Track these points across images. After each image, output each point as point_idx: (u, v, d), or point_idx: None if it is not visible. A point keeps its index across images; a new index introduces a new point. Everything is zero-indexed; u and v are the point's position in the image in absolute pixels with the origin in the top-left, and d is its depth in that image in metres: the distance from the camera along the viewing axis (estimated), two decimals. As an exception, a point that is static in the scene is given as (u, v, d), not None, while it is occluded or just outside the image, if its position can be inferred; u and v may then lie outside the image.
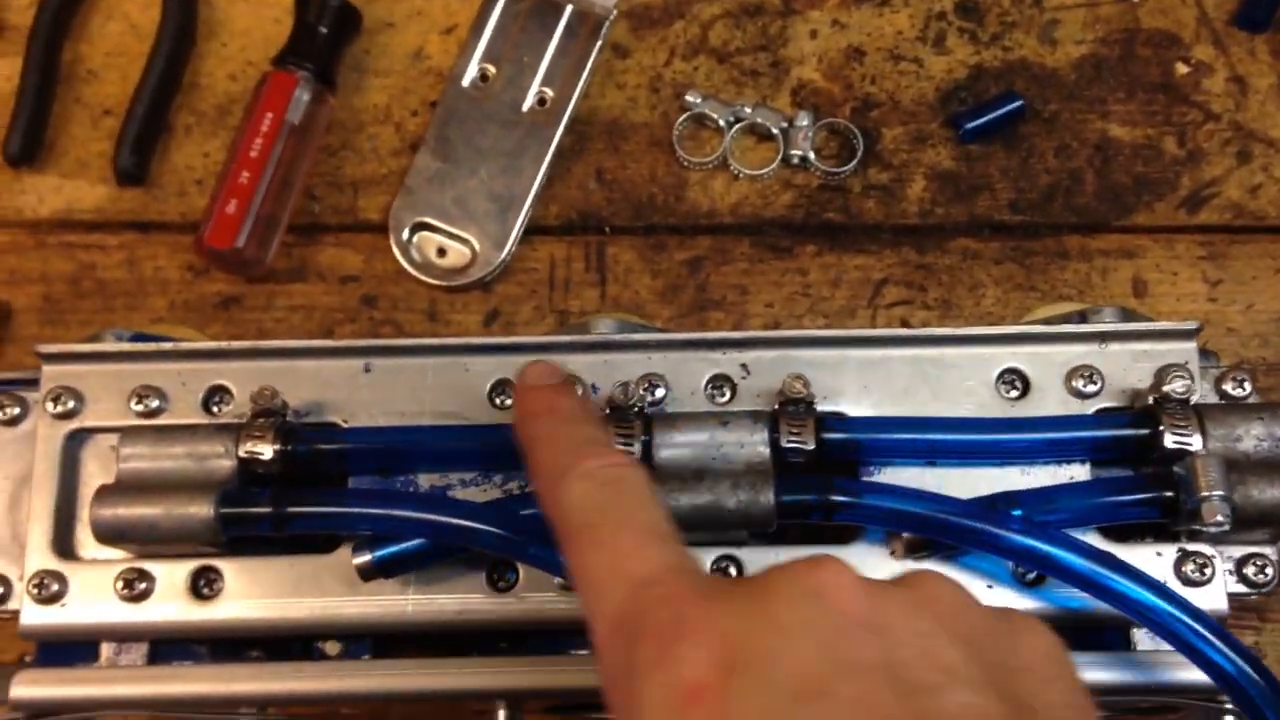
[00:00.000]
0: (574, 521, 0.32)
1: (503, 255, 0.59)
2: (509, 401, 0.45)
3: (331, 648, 0.45)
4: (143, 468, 0.42)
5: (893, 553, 0.43)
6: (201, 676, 0.43)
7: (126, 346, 0.45)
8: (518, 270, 0.60)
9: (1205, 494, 0.38)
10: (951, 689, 0.27)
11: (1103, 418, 0.42)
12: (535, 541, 0.39)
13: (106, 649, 0.44)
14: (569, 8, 0.61)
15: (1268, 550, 0.43)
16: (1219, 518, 0.38)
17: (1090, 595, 0.40)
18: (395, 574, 0.42)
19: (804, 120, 0.60)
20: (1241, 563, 0.43)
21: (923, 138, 0.61)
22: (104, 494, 0.41)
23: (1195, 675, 0.41)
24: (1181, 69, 0.61)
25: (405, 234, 0.60)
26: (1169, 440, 0.40)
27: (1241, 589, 0.43)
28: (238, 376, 0.45)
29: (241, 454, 0.42)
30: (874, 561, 0.43)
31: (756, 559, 0.43)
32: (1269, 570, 0.42)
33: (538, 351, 0.45)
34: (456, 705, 0.46)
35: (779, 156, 0.60)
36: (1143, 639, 0.43)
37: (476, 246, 0.60)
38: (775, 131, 0.61)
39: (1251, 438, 0.41)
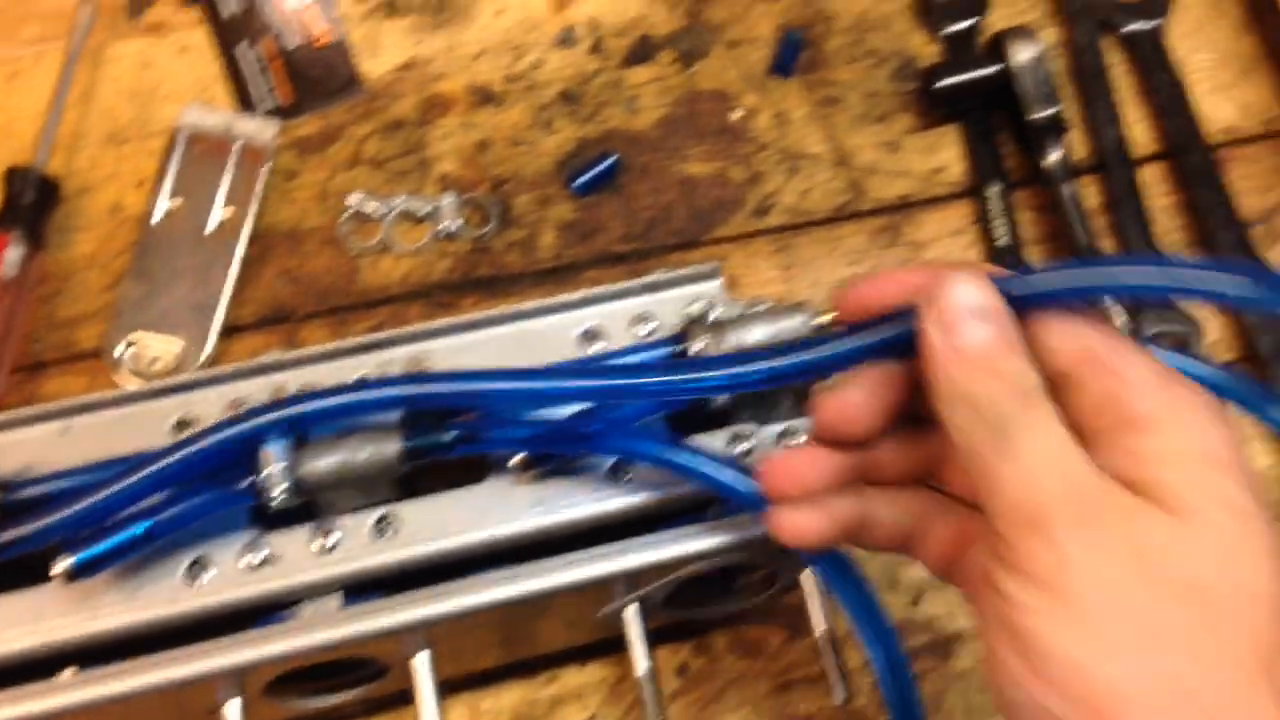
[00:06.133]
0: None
1: (206, 351, 0.69)
2: (185, 432, 0.54)
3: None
4: None
5: (517, 480, 0.54)
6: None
7: None
8: (224, 363, 0.70)
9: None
10: None
11: (650, 341, 0.55)
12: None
13: None
14: (236, 144, 0.73)
15: (797, 422, 0.55)
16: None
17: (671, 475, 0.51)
18: (95, 573, 0.49)
19: (448, 200, 0.74)
20: (780, 435, 0.55)
21: (546, 199, 0.75)
22: None
23: (760, 530, 0.53)
24: (735, 115, 0.78)
25: (118, 351, 0.69)
26: (692, 348, 0.53)
27: (786, 455, 0.55)
28: (-55, 458, 0.53)
29: (-43, 508, 0.50)
30: (503, 490, 0.53)
31: (412, 514, 0.53)
32: (800, 436, 0.55)
33: (210, 385, 0.55)
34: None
35: (432, 233, 0.73)
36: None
37: (181, 349, 0.69)
38: (427, 212, 0.74)
39: (755, 335, 0.54)
